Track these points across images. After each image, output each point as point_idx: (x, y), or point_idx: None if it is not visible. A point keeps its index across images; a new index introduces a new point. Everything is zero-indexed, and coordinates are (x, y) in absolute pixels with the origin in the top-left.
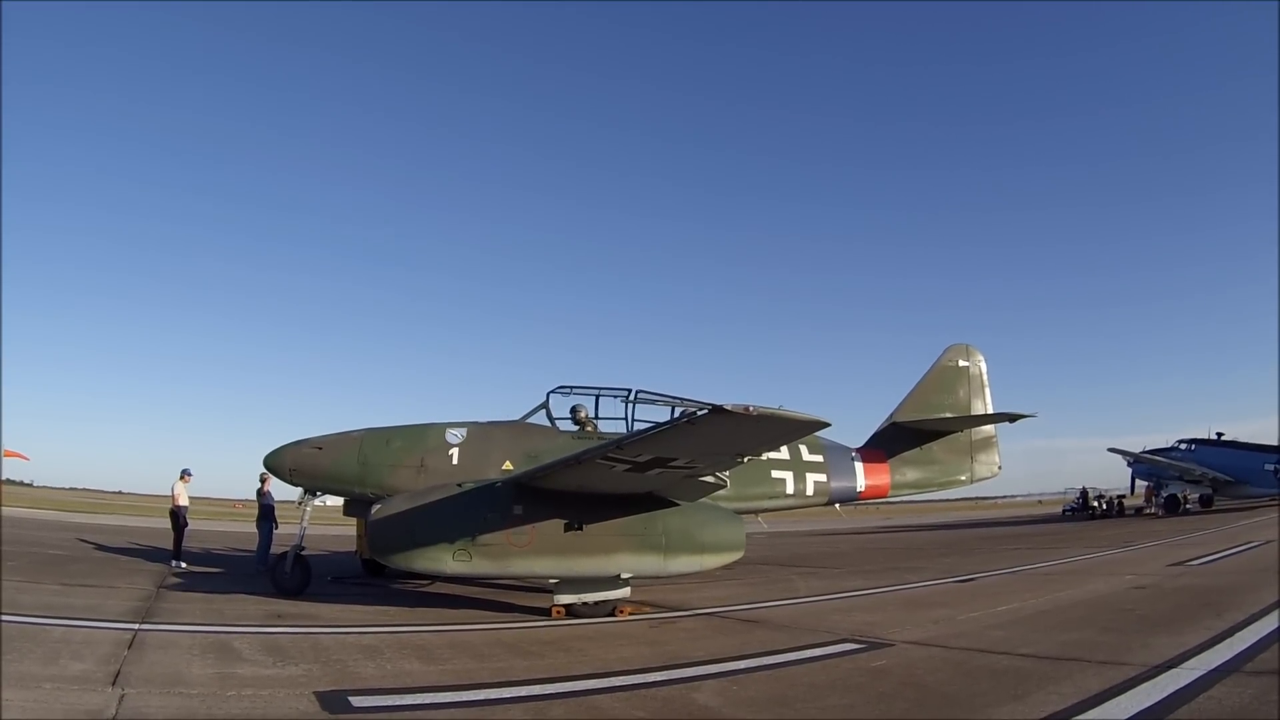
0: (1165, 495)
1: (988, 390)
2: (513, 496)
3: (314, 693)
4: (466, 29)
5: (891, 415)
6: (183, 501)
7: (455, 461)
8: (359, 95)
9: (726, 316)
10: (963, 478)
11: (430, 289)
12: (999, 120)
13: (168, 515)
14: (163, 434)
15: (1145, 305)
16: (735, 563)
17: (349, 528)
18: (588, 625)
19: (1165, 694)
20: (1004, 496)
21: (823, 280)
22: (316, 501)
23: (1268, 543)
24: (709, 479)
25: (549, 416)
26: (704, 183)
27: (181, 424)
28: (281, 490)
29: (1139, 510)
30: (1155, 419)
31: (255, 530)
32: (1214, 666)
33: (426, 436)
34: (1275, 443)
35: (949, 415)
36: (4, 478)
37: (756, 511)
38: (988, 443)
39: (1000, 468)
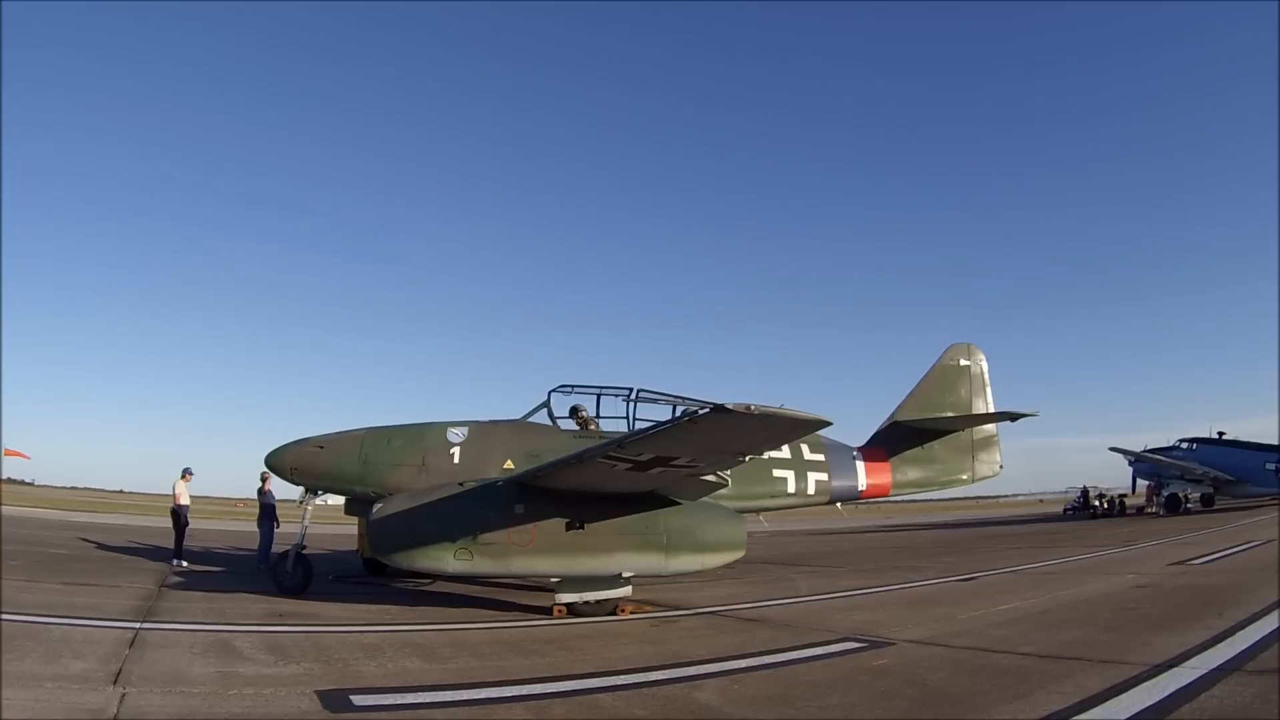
0: (1166, 494)
1: (989, 389)
2: (514, 495)
3: (315, 691)
4: (464, 28)
5: (893, 414)
6: (184, 500)
7: (456, 460)
8: (361, 94)
9: (728, 315)
10: (964, 477)
11: (432, 287)
12: (1000, 118)
13: (169, 514)
14: (164, 433)
15: (1146, 303)
16: (736, 561)
17: (350, 526)
18: (589, 624)
19: (1167, 693)
20: (1005, 496)
21: (824, 278)
22: (318, 500)
23: (1269, 542)
24: (710, 478)
25: (550, 415)
26: (705, 180)
27: (182, 423)
28: (283, 489)
29: (1140, 509)
30: (1156, 418)
31: (256, 529)
32: (1215, 665)
33: (428, 435)
34: (1276, 442)
35: (950, 414)
36: (5, 476)
37: (758, 510)
38: (989, 442)
39: (1001, 467)
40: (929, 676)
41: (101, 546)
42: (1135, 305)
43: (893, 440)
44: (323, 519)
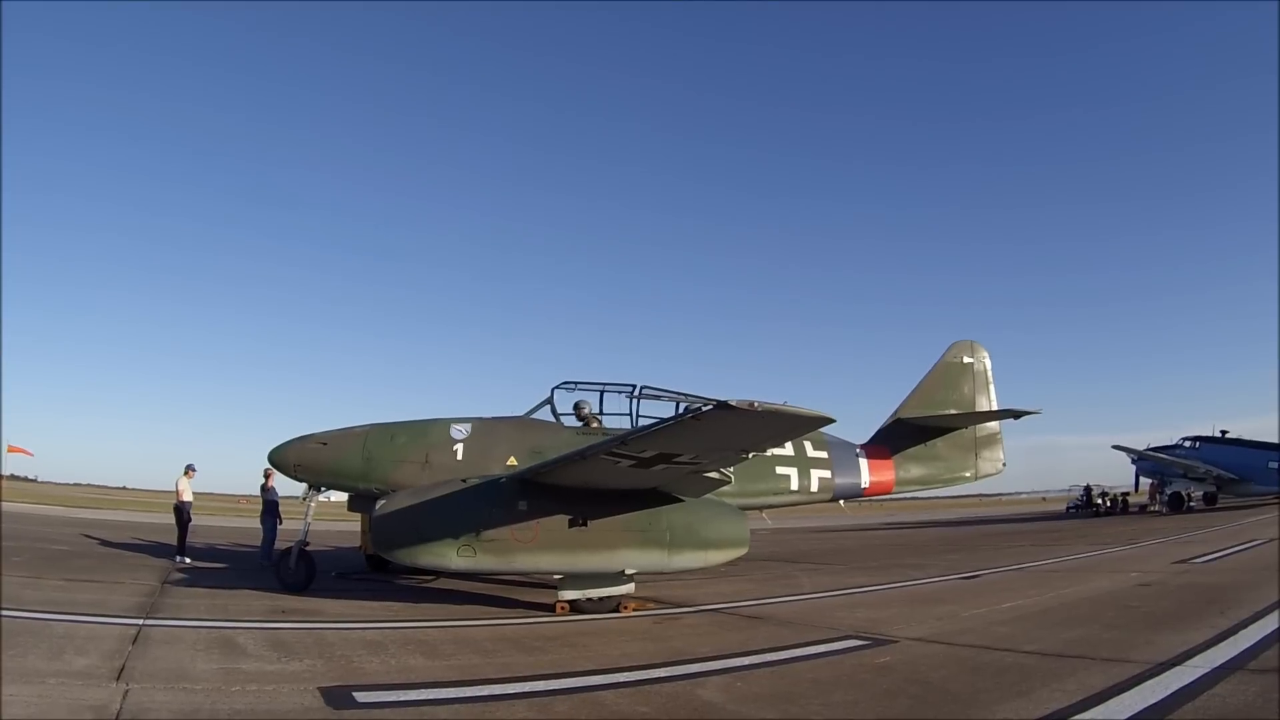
0: (1169, 493)
1: (992, 387)
2: (517, 492)
3: (318, 688)
4: (463, 27)
5: (896, 412)
6: (187, 497)
7: (460, 457)
8: (364, 92)
9: (731, 312)
10: (967, 474)
11: (434, 285)
12: (1004, 116)
13: (172, 511)
14: (167, 430)
15: (1149, 302)
16: (739, 559)
17: (353, 523)
18: (592, 621)
19: (1169, 691)
20: (1008, 494)
21: (828, 276)
22: (321, 497)
23: (1272, 540)
24: (713, 475)
25: (553, 412)
26: (707, 178)
27: (185, 420)
28: (286, 485)
29: (1143, 508)
30: (1159, 416)
31: (259, 525)
32: (1218, 664)
33: (431, 432)
34: (1279, 440)
35: (953, 412)
36: (8, 473)
37: (761, 508)
38: (992, 439)
39: (1004, 464)
40: (932, 674)
41: (104, 543)
42: (1138, 304)
43: (896, 438)
44: (325, 515)
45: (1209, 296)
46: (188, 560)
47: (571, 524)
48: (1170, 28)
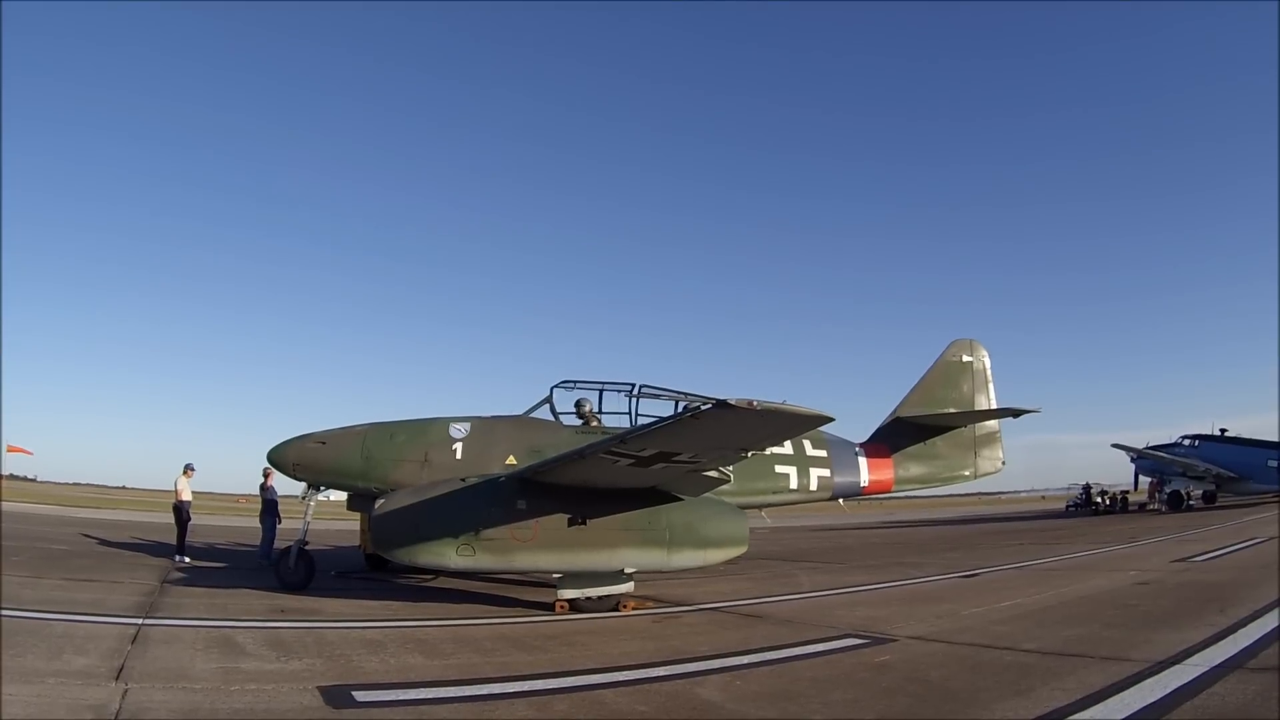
0: (1169, 491)
1: (991, 385)
2: (516, 491)
3: (317, 687)
4: (462, 25)
5: (895, 410)
6: (186, 496)
7: (459, 456)
8: (362, 90)
9: (730, 310)
10: (966, 473)
11: (434, 283)
12: (1002, 115)
13: (171, 510)
14: (166, 429)
15: (1149, 300)
16: (738, 558)
17: (352, 522)
18: (591, 620)
19: (1168, 690)
20: (1007, 492)
21: (826, 275)
22: (320, 496)
23: (1271, 539)
24: (712, 473)
25: (553, 411)
26: (706, 177)
27: (185, 419)
28: (285, 485)
29: (1142, 506)
30: (1159, 415)
31: (258, 525)
32: (1217, 663)
33: (430, 431)
34: (1278, 438)
35: (953, 410)
36: (7, 473)
37: (760, 506)
38: (991, 438)
39: (1004, 463)
40: (931, 673)
41: (103, 542)
42: (1138, 302)
43: (895, 436)
44: (325, 515)
45: (1208, 295)
46: (187, 559)
47: (571, 523)
48: (1169, 26)
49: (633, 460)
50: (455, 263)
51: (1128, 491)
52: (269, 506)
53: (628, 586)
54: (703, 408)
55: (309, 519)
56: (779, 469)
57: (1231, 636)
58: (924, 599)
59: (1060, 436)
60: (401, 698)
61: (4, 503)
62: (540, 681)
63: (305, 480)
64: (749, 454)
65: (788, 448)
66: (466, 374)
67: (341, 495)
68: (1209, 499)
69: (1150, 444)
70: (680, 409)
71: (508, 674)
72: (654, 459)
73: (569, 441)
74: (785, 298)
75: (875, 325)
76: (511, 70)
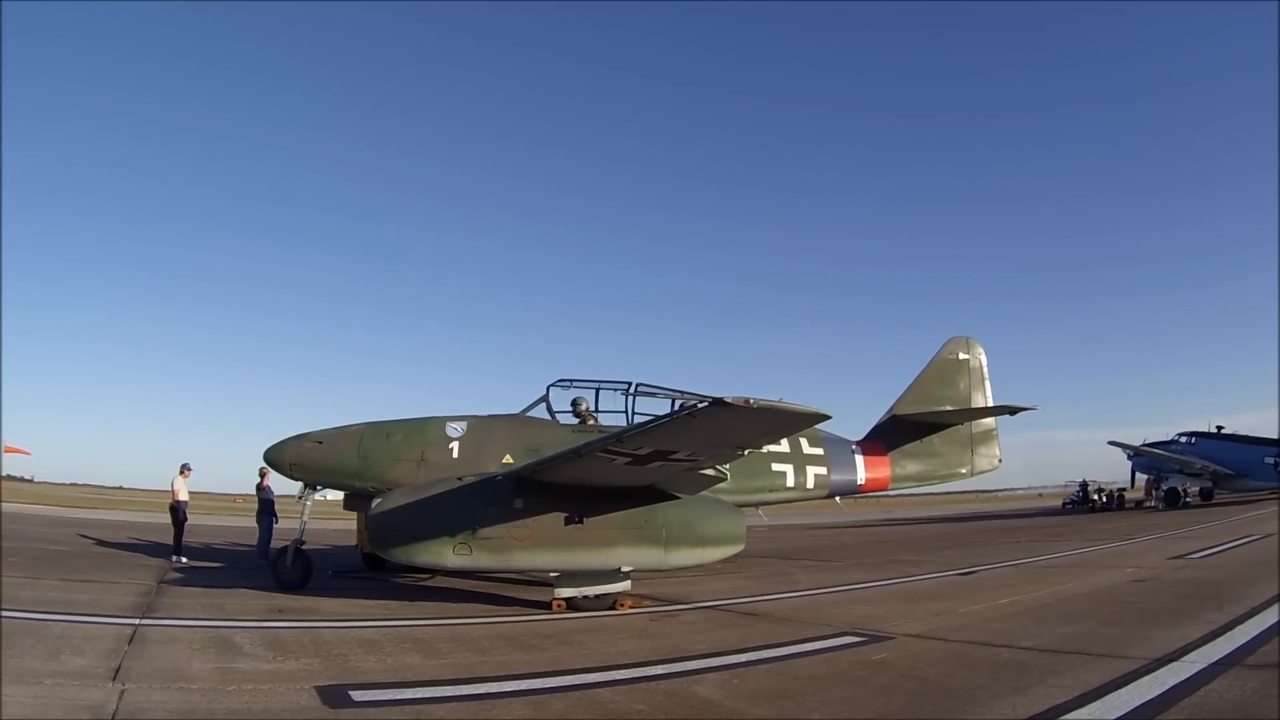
0: (1165, 488)
1: (988, 383)
2: (513, 490)
3: (315, 687)
4: (460, 25)
5: (892, 408)
6: (183, 496)
7: (455, 455)
8: (359, 89)
9: (727, 309)
10: (963, 470)
11: (431, 282)
12: (999, 112)
13: (168, 510)
14: (163, 429)
15: (1146, 298)
16: (736, 556)
17: (349, 522)
18: (588, 619)
19: (1166, 687)
20: (1004, 489)
21: (823, 272)
22: (317, 496)
23: (1268, 536)
24: (709, 472)
25: (549, 410)
26: (702, 175)
27: (181, 419)
28: (281, 484)
29: (1139, 503)
30: (1155, 412)
31: (255, 525)
32: (1215, 660)
33: (426, 430)
34: (1275, 435)
35: (949, 408)
36: (4, 473)
37: (757, 504)
38: (988, 435)
39: (1000, 460)
40: (928, 670)
41: (100, 543)
42: (1135, 299)
43: (891, 434)
44: (322, 514)
45: (1207, 292)
46: (184, 560)
47: (568, 521)
48: (1167, 24)
49: (629, 459)
50: (452, 262)
51: (1124, 489)
52: (266, 506)
53: (625, 585)
54: (699, 406)
55: (306, 519)
56: (776, 467)
57: (1229, 633)
58: (921, 597)
59: (1057, 434)
60: (399, 697)
61: (2, 503)
62: (537, 680)
63: (302, 480)
64: (746, 452)
65: (784, 446)
66: (463, 373)
67: (338, 495)
68: (1206, 496)
69: (1147, 441)
70: (677, 407)
71: (505, 673)
72: (651, 457)
73: (566, 440)
74: (780, 295)
75: (871, 323)
76: (511, 70)
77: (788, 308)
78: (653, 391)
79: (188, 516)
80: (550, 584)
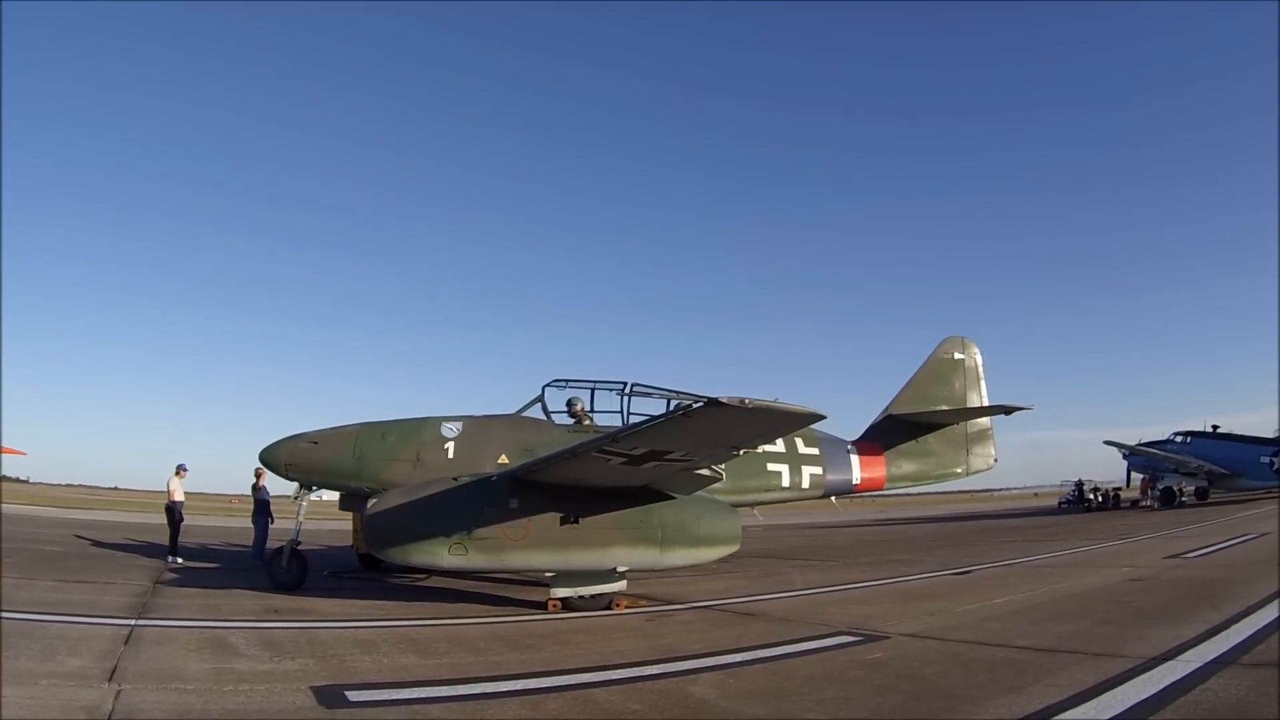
0: (1161, 488)
1: (983, 382)
2: (508, 490)
3: (310, 687)
4: (460, 24)
5: (887, 408)
6: (178, 497)
7: (451, 455)
8: (359, 89)
9: (722, 308)
10: (958, 470)
11: (426, 282)
12: (995, 111)
13: (163, 511)
14: (159, 430)
15: (1142, 297)
16: (731, 556)
17: (345, 522)
18: (584, 619)
19: (1162, 686)
20: (1000, 489)
21: (818, 272)
22: (312, 496)
23: (1264, 535)
24: (705, 472)
25: (544, 410)
26: (697, 174)
27: (177, 419)
28: (277, 485)
29: (1135, 503)
30: (1151, 411)
31: (251, 525)
32: (1210, 659)
33: (422, 430)
34: (1271, 435)
35: (945, 408)
36: (1, 474)
37: (752, 504)
38: (983, 435)
39: (996, 460)
40: (924, 670)
41: (97, 543)
42: (1131, 299)
43: (887, 434)
44: (318, 514)
45: (1203, 291)
46: (180, 560)
47: (563, 522)
48: (1167, 24)
49: (625, 459)
50: (449, 262)
51: (1120, 488)
52: (261, 507)
53: (620, 585)
54: (694, 406)
55: (301, 519)
56: (771, 467)
57: (1224, 632)
58: (917, 596)
59: (1053, 433)
60: (394, 697)
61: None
62: (533, 680)
63: (298, 480)
64: (741, 452)
65: (780, 445)
66: (458, 373)
67: (334, 495)
68: (1201, 495)
69: (1143, 440)
70: (672, 407)
71: (500, 673)
72: (646, 457)
73: (561, 440)
74: (776, 295)
75: (867, 322)
76: (502, 67)
77: (783, 307)
78: (648, 391)
79: (184, 517)
80: (546, 584)
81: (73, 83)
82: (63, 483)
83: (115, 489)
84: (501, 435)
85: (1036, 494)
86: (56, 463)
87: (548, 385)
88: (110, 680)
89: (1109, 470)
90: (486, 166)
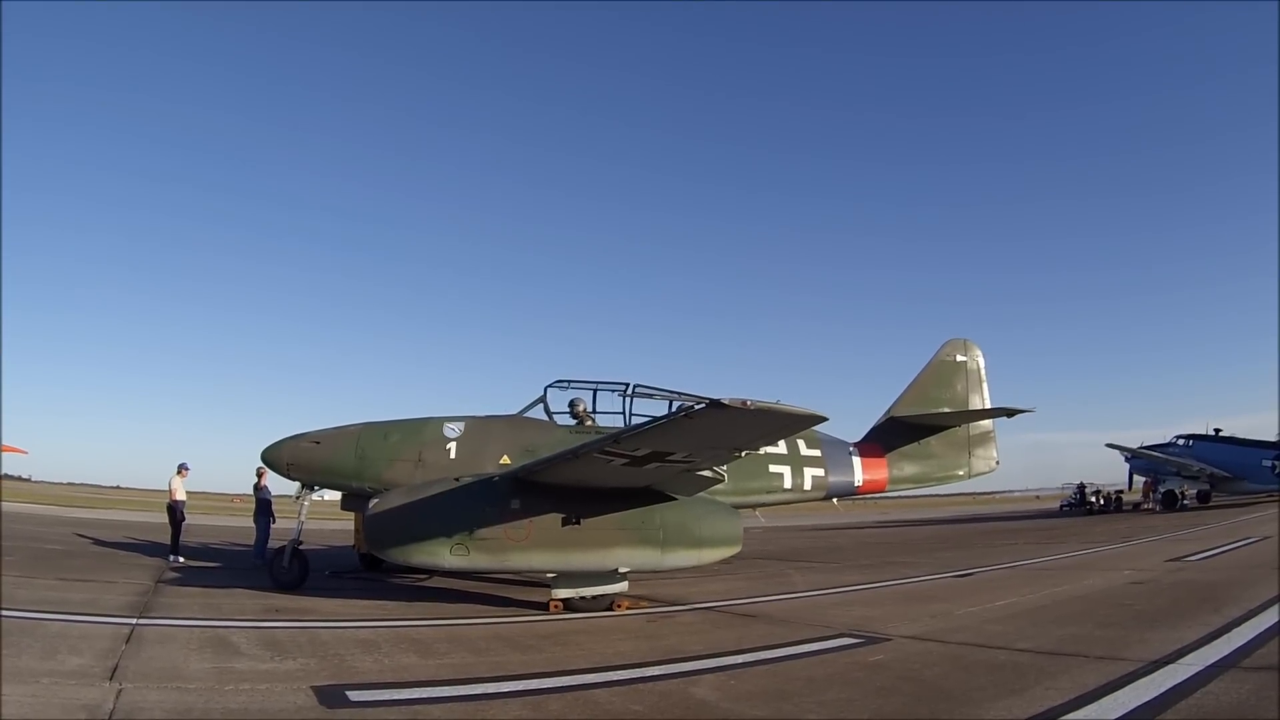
0: (1163, 491)
1: (985, 385)
2: (510, 491)
3: (311, 687)
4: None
5: (889, 410)
6: (180, 496)
7: (452, 456)
8: (359, 89)
9: (724, 310)
10: (960, 472)
11: (428, 283)
12: (998, 113)
13: (165, 510)
14: (160, 429)
15: (1144, 299)
16: (732, 557)
17: (346, 522)
18: (585, 619)
19: (1163, 689)
20: (1001, 492)
21: (820, 273)
22: (314, 496)
23: (1266, 539)
24: (706, 473)
25: (547, 411)
26: (700, 176)
27: (179, 419)
28: (279, 484)
29: (1136, 506)
30: (1153, 414)
31: (253, 524)
32: (1212, 662)
33: (424, 431)
34: (1273, 439)
35: (947, 410)
36: (2, 472)
37: (754, 506)
38: (985, 437)
39: (998, 462)
40: (925, 672)
41: (98, 542)
42: (1133, 301)
43: (889, 436)
44: (319, 514)
45: (1205, 294)
46: (181, 559)
47: (565, 522)
48: (1167, 24)
49: (626, 460)
50: (451, 262)
51: (1122, 491)
52: (263, 506)
53: (622, 586)
54: (696, 407)
55: (303, 519)
56: (773, 468)
57: (1226, 636)
58: (918, 598)
59: (1055, 436)
60: (395, 697)
61: (1, 503)
62: (534, 681)
63: (299, 480)
64: (743, 453)
65: (782, 447)
66: (460, 374)
67: (336, 495)
68: (1203, 499)
69: (1145, 443)
70: (674, 408)
71: (502, 673)
72: (648, 458)
73: (563, 441)
74: (778, 297)
75: (869, 324)
76: (502, 67)
77: (785, 309)
78: (650, 393)
79: (185, 516)
80: (547, 585)
81: (73, 83)
82: (64, 481)
83: (117, 488)
84: (503, 436)
85: (1038, 496)
86: (58, 461)
87: (550, 386)
88: (111, 679)
89: (1111, 473)
90: (490, 166)
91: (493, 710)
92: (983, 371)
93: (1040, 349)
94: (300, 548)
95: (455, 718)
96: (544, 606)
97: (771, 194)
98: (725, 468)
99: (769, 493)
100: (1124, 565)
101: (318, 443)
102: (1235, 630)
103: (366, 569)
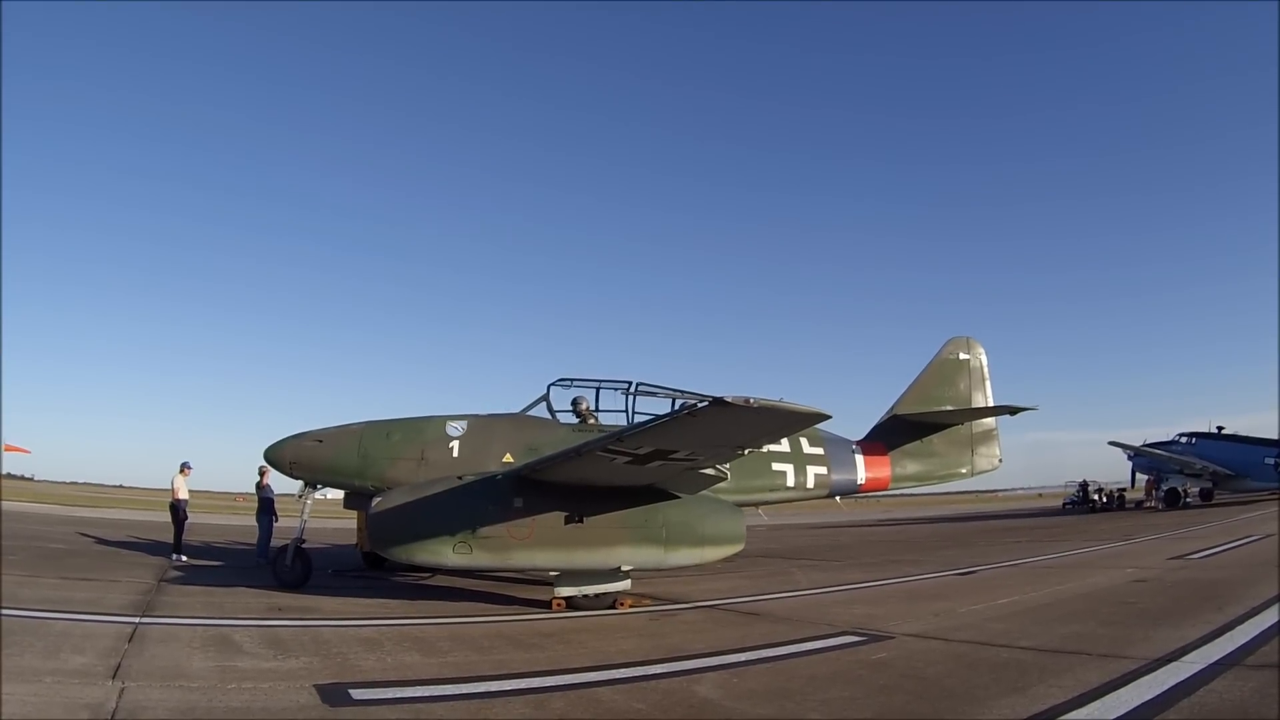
0: (1165, 489)
1: (988, 383)
2: (513, 489)
3: (314, 685)
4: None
5: (892, 408)
6: (183, 495)
7: (455, 454)
8: (359, 89)
9: (727, 309)
10: (963, 470)
11: (431, 282)
12: (999, 113)
13: (168, 509)
14: (163, 428)
15: (1146, 297)
16: (736, 555)
17: (349, 520)
18: (588, 618)
19: (1166, 687)
20: (1004, 490)
21: (824, 272)
22: (317, 494)
23: (1268, 537)
24: (709, 471)
25: (550, 409)
26: (703, 175)
27: (182, 418)
28: (281, 483)
29: (1139, 504)
30: (1156, 412)
31: (255, 523)
32: (1214, 660)
33: (427, 429)
34: (1276, 436)
35: (949, 408)
36: (5, 471)
37: (757, 504)
38: (988, 435)
39: (1001, 460)
40: (928, 670)
41: (101, 541)
42: (1135, 299)
43: (892, 434)
44: (322, 513)
45: (1207, 292)
46: (184, 558)
47: (568, 521)
48: (1167, 24)
49: (629, 458)
50: (453, 261)
51: (1124, 489)
52: (266, 505)
53: (625, 584)
54: (699, 405)
55: (306, 517)
56: (776, 466)
57: (1229, 634)
58: (921, 596)
59: (1058, 434)
60: (398, 696)
61: (2, 502)
62: (537, 679)
63: (302, 479)
64: (746, 451)
65: (785, 445)
66: (463, 372)
67: (338, 494)
68: (1206, 497)
69: (1147, 441)
70: (677, 407)
71: (505, 672)
72: (651, 457)
73: (566, 439)
74: (781, 296)
75: (872, 323)
76: (506, 68)
77: (788, 308)
78: (653, 391)
79: (188, 515)
80: (550, 583)
81: (73, 83)
82: (67, 480)
83: (119, 487)
84: (506, 434)
85: (1041, 495)
86: (61, 460)
87: (553, 384)
88: (114, 678)
89: (1113, 471)
90: (490, 166)
91: (495, 709)
92: (985, 370)
93: (1043, 348)
94: (303, 546)
95: (458, 716)
96: (547, 605)
97: (774, 193)
98: (728, 466)
99: (772, 491)
100: (1126, 563)
101: (320, 441)
102: (1238, 628)
103: (369, 567)
